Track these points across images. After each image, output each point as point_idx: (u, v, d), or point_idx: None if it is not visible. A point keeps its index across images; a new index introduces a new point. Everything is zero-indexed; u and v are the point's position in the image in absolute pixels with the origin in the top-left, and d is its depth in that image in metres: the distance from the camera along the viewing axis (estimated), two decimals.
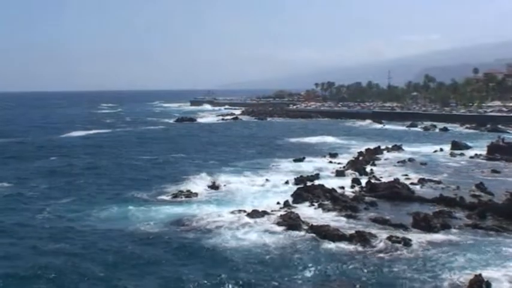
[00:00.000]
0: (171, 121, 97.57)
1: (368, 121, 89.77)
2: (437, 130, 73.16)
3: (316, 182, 31.50)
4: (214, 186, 30.89)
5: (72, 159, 44.16)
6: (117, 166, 40.73)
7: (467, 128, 75.34)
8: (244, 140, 60.71)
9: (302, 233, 21.51)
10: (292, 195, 27.99)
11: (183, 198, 28.26)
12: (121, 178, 35.17)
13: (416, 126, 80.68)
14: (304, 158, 42.65)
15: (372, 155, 44.29)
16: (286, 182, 32.13)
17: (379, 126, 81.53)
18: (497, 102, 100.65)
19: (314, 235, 21.18)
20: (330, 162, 41.57)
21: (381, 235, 20.84)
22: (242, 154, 47.33)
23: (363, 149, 47.62)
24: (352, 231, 21.28)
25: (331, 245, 20.05)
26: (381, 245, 19.89)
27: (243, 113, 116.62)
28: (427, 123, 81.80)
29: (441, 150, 48.05)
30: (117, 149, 51.65)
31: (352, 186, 31.34)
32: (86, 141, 60.59)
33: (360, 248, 19.59)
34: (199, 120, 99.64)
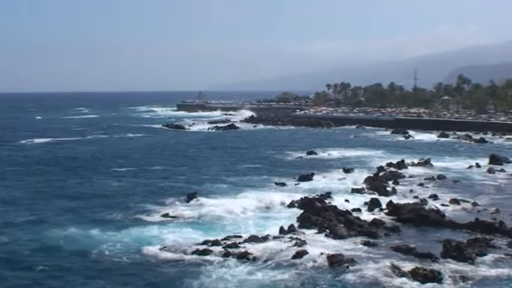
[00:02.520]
0: (154, 128, 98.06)
1: (390, 130, 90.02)
2: (472, 141, 73.26)
3: (327, 203, 31.56)
4: (202, 207, 30.77)
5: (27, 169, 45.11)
6: (84, 180, 41.21)
7: (508, 139, 75.31)
8: (241, 152, 60.84)
9: (309, 264, 21.54)
10: (298, 219, 27.95)
11: (164, 219, 28.55)
12: (86, 194, 35.62)
13: (447, 136, 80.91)
14: (312, 174, 42.68)
15: (394, 171, 44.36)
16: (291, 203, 32.04)
17: (403, 136, 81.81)
18: None
19: (325, 266, 21.14)
20: (344, 179, 41.57)
21: (405, 267, 20.82)
22: (238, 170, 47.43)
23: (383, 164, 47.76)
24: (371, 263, 21.42)
25: (344, 279, 19.99)
26: (404, 279, 19.87)
27: (240, 120, 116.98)
28: (461, 133, 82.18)
29: (477, 165, 48.09)
30: (87, 162, 52.05)
31: (371, 208, 31.33)
32: (49, 150, 61.40)
33: (382, 282, 19.55)
34: (188, 128, 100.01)
